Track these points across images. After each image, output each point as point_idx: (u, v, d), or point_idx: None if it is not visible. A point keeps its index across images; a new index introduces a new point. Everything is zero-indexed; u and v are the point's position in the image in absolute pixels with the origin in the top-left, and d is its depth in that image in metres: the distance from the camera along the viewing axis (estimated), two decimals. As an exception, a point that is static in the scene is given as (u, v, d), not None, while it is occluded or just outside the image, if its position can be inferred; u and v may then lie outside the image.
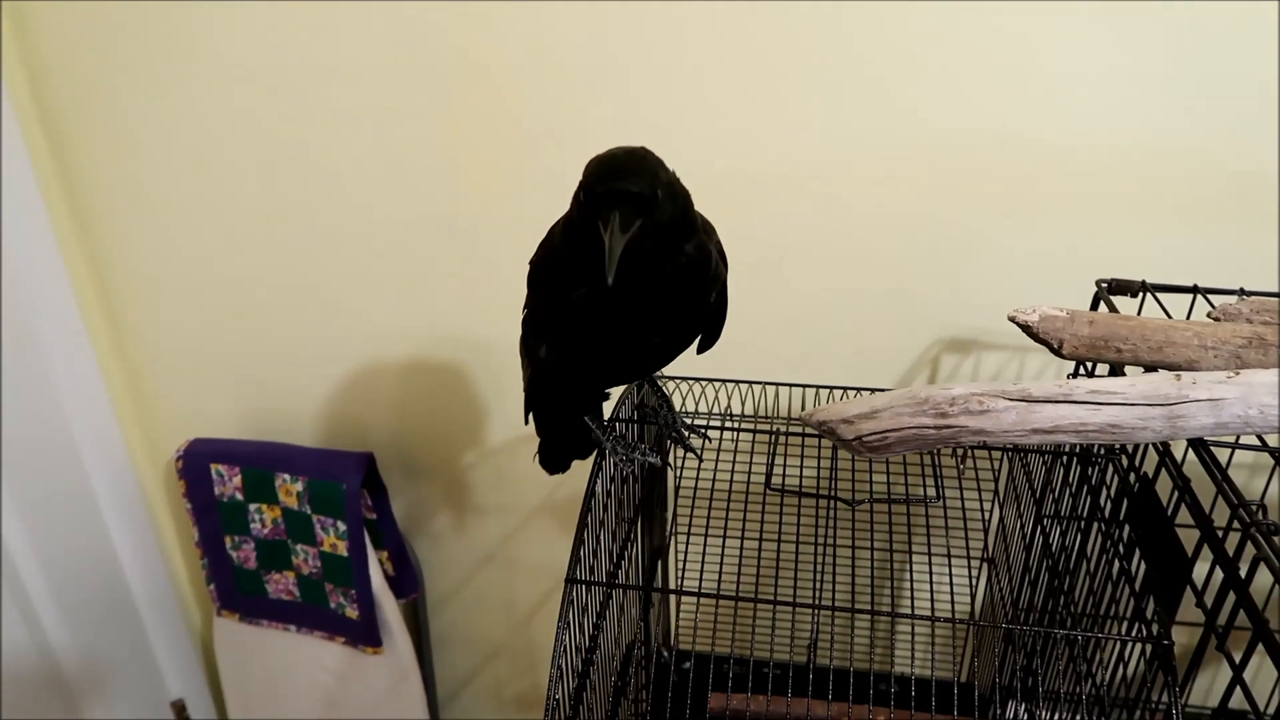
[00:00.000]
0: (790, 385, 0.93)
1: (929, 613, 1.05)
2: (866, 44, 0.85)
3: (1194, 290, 0.76)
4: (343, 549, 1.14)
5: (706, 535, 0.77)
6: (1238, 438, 0.66)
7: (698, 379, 0.91)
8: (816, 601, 0.68)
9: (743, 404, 0.92)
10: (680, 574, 1.02)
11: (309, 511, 1.14)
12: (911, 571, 1.04)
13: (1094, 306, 0.78)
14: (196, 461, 1.16)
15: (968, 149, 0.88)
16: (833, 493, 0.67)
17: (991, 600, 0.99)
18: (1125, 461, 0.68)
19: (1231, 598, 0.53)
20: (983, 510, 0.96)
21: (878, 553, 0.97)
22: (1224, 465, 0.58)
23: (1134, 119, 0.84)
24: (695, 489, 0.79)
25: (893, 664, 1.12)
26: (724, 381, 0.92)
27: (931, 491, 0.64)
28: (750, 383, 0.92)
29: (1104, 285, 0.78)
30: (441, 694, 1.37)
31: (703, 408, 0.89)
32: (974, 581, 0.99)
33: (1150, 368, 0.63)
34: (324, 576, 1.18)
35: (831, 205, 0.93)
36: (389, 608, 1.19)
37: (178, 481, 1.18)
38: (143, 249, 1.11)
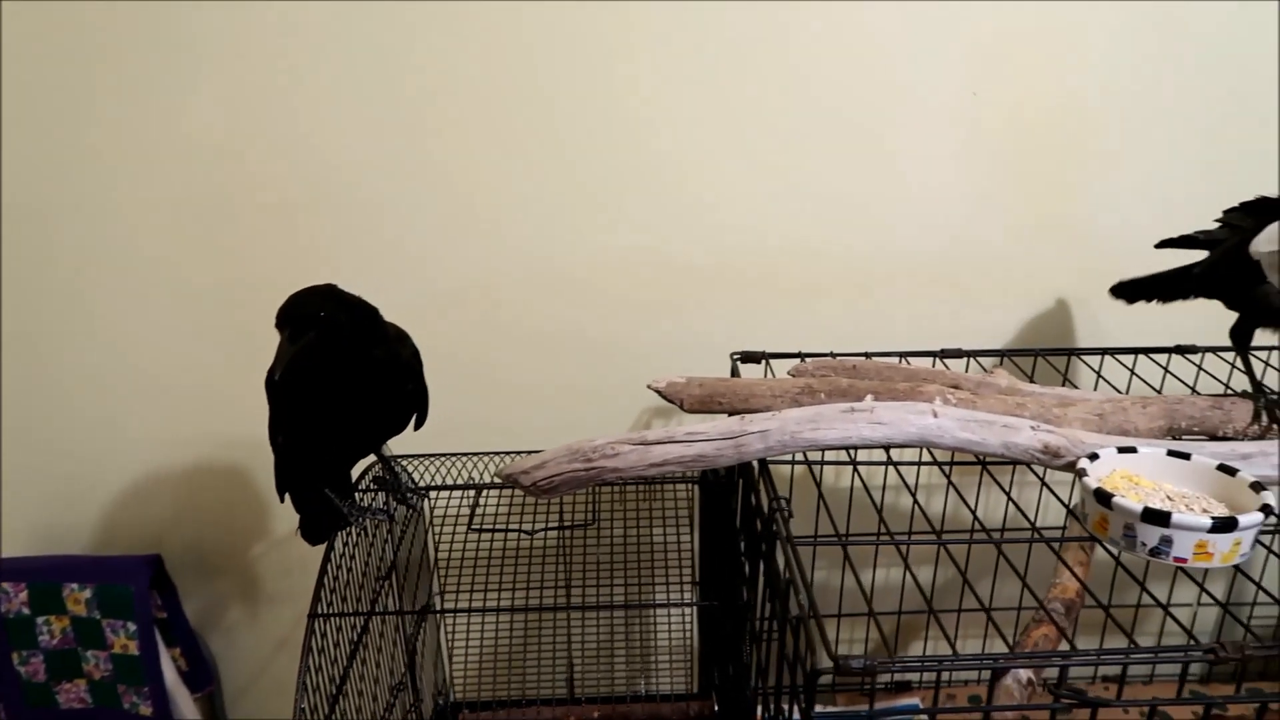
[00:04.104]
0: (507, 453, 1.12)
1: (663, 635, 1.26)
2: (569, 178, 1.11)
3: (799, 355, 1.03)
4: (134, 648, 1.21)
5: (462, 582, 0.95)
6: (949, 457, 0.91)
7: (429, 455, 1.10)
8: (568, 603, 0.87)
9: (464, 472, 1.11)
10: (452, 624, 1.18)
11: (98, 616, 1.21)
12: (639, 588, 1.25)
13: (733, 373, 1.04)
14: (-22, 582, 1.21)
15: (642, 260, 1.14)
16: (520, 526, 0.87)
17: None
18: (742, 487, 0.93)
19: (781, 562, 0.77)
20: (679, 540, 1.19)
21: (612, 580, 1.18)
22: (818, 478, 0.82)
23: (758, 229, 1.13)
24: (452, 549, 0.97)
25: (644, 687, 1.31)
26: (453, 455, 1.11)
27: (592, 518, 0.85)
28: (481, 454, 1.12)
29: (736, 357, 1.04)
30: (245, 784, 1.42)
31: (450, 479, 1.08)
32: (695, 594, 1.21)
33: (745, 413, 0.87)
34: (116, 679, 1.24)
35: (553, 305, 1.16)
36: (184, 702, 1.26)
37: (-41, 605, 1.22)
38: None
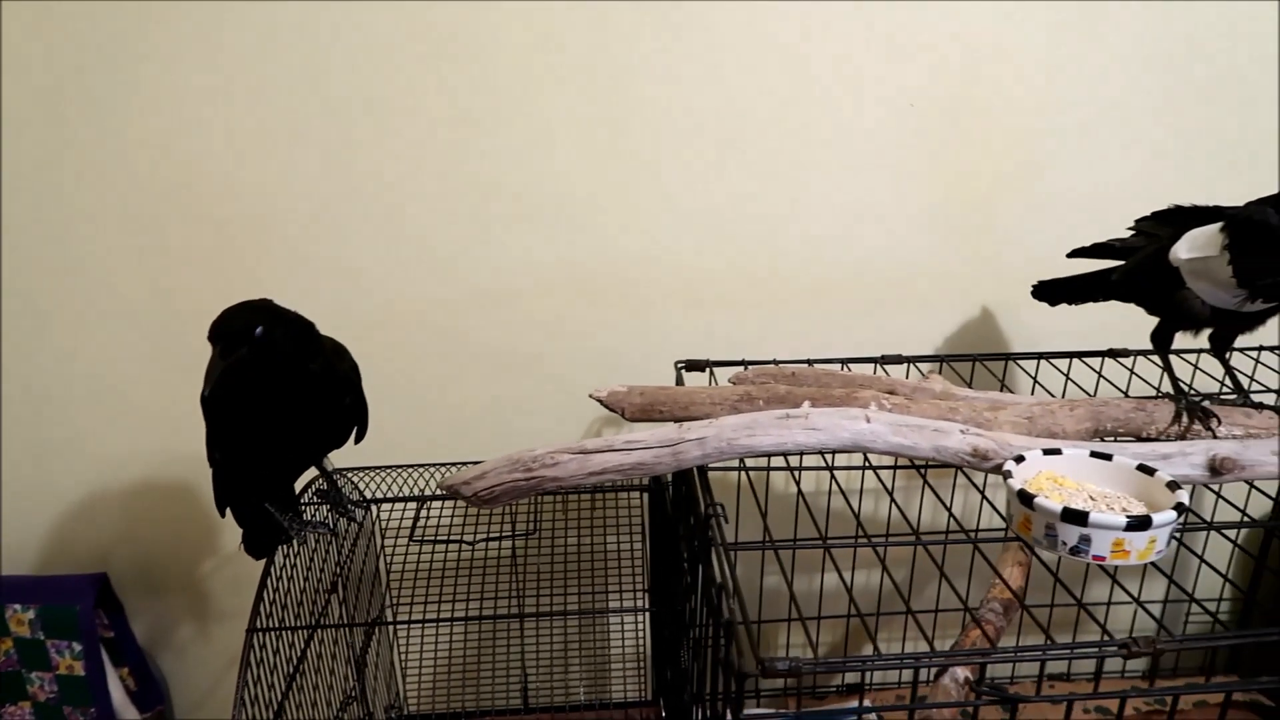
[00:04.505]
0: (454, 464, 1.12)
1: (616, 643, 1.27)
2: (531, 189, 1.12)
3: (743, 363, 1.05)
4: (80, 669, 1.20)
5: (412, 590, 0.95)
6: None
7: (377, 467, 1.09)
8: (522, 611, 0.87)
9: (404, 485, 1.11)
10: (398, 635, 1.18)
11: (42, 637, 1.19)
12: (593, 598, 1.26)
13: (677, 382, 1.05)
14: (-83, 606, 1.19)
15: (591, 271, 1.15)
16: (462, 537, 0.88)
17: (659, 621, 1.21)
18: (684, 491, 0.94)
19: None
20: (631, 547, 1.20)
21: (566, 588, 1.18)
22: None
23: (705, 242, 1.15)
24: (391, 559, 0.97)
25: (584, 695, 1.32)
26: (402, 467, 1.11)
27: (533, 527, 0.86)
28: (429, 466, 1.12)
29: (681, 365, 1.05)
30: (198, 803, 1.41)
31: (397, 491, 1.08)
32: (642, 601, 1.22)
33: (685, 420, 0.88)
34: (62, 700, 1.22)
35: (500, 315, 1.17)
36: (132, 722, 1.25)
37: (-103, 629, 1.19)
38: None
